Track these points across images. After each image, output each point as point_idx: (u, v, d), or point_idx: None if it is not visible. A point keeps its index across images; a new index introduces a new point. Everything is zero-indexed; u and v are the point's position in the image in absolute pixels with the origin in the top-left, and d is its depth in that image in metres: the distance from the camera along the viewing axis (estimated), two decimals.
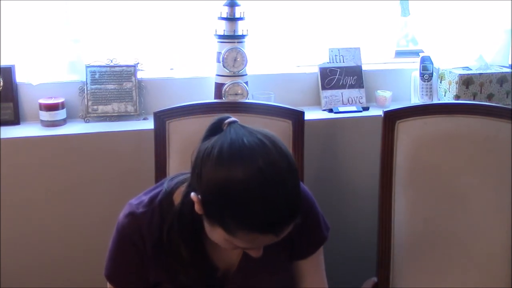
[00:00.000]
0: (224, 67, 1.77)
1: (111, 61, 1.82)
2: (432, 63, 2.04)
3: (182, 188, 1.06)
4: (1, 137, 1.65)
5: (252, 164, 0.89)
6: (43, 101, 1.74)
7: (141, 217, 1.07)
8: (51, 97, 1.77)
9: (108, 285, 1.13)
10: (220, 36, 1.78)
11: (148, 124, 1.73)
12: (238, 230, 0.91)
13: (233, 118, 0.98)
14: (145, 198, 1.10)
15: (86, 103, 1.80)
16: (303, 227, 1.12)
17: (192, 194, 0.95)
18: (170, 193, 1.08)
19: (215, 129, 0.98)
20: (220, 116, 0.99)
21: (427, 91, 2.04)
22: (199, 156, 0.94)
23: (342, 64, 2.02)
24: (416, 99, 2.07)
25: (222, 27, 1.78)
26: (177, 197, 1.06)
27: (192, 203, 0.96)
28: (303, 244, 1.18)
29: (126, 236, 1.08)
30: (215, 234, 0.97)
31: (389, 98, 2.03)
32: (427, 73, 2.03)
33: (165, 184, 1.10)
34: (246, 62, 1.78)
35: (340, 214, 2.00)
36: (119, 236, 1.09)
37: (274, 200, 0.89)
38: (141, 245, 1.07)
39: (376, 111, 1.96)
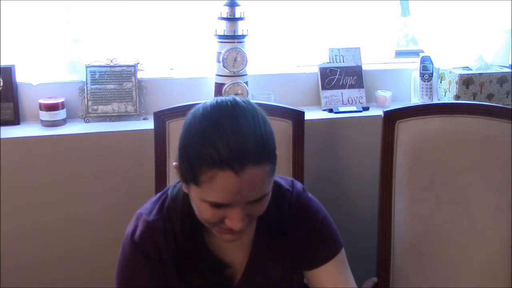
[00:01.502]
0: (224, 67, 1.77)
1: (111, 61, 1.82)
2: (432, 63, 2.04)
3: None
4: (1, 137, 1.65)
5: (205, 107, 0.95)
6: (43, 101, 1.74)
7: (155, 225, 1.06)
8: (51, 97, 1.77)
9: None
10: (220, 36, 1.78)
11: (148, 124, 1.73)
12: (199, 172, 0.91)
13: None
14: (154, 207, 1.09)
15: (86, 103, 1.80)
16: (309, 236, 1.12)
17: (174, 163, 0.99)
18: (175, 199, 1.07)
19: None
20: None
21: (427, 91, 2.04)
22: None
23: (342, 64, 2.02)
24: (416, 99, 2.07)
25: (222, 27, 1.78)
26: (176, 165, 1.05)
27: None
28: (312, 252, 1.14)
29: (138, 247, 1.05)
30: (193, 197, 0.96)
31: (389, 98, 2.03)
32: (427, 73, 2.03)
33: (169, 192, 1.10)
34: (246, 62, 1.78)
35: (340, 214, 1.99)
36: (131, 245, 1.06)
37: (230, 135, 0.90)
38: (155, 255, 1.05)
39: (376, 111, 1.96)
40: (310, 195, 1.17)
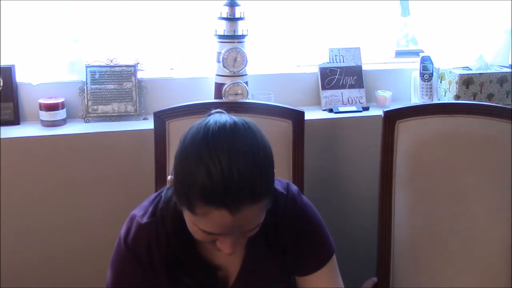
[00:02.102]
0: (224, 67, 1.77)
1: (111, 61, 1.82)
2: (432, 63, 2.04)
3: None
4: (1, 137, 1.65)
5: (214, 140, 0.89)
6: (43, 101, 1.74)
7: (147, 228, 1.06)
8: (51, 97, 1.77)
9: None
10: (220, 36, 1.78)
11: (148, 124, 1.73)
12: (194, 203, 0.90)
13: (220, 110, 1.00)
14: (148, 209, 1.09)
15: (86, 103, 1.80)
16: (302, 242, 1.11)
17: (169, 177, 0.98)
18: (168, 202, 1.06)
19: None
20: (215, 110, 1.01)
21: (427, 91, 2.04)
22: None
23: (342, 64, 2.02)
24: (416, 99, 2.07)
25: (222, 27, 1.78)
26: (170, 179, 1.05)
27: None
28: (304, 260, 1.14)
29: (130, 249, 1.06)
30: (186, 219, 0.97)
31: (389, 98, 2.03)
32: (427, 73, 2.03)
33: (163, 193, 1.09)
34: (246, 62, 1.78)
35: (340, 214, 2.00)
36: (123, 248, 1.07)
37: (227, 176, 0.87)
38: (147, 258, 1.05)
39: (376, 111, 1.96)
40: (305, 199, 1.16)
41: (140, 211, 1.09)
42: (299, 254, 1.12)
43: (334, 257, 1.17)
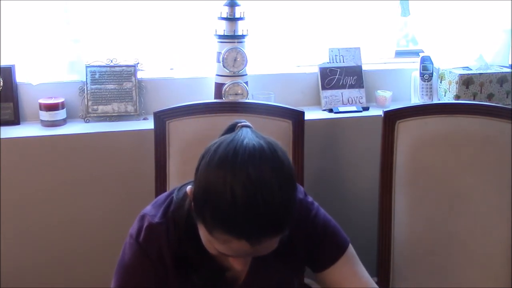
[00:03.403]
0: (224, 67, 1.77)
1: (111, 61, 1.82)
2: (432, 63, 2.04)
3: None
4: (1, 137, 1.65)
5: (241, 168, 0.87)
6: (43, 101, 1.74)
7: (159, 228, 1.06)
8: (51, 97, 1.77)
9: None
10: (220, 36, 1.78)
11: (148, 124, 1.73)
12: (214, 228, 0.90)
13: (247, 123, 0.97)
14: (159, 209, 1.08)
15: (86, 103, 1.80)
16: (311, 241, 1.13)
17: (188, 188, 0.96)
18: (180, 204, 1.06)
19: (229, 130, 0.98)
20: (237, 121, 0.99)
21: (427, 91, 2.04)
22: (202, 153, 0.94)
23: (342, 64, 2.02)
24: (416, 99, 2.07)
25: (222, 27, 1.78)
26: (190, 190, 1.05)
27: None
28: (317, 256, 1.16)
29: (144, 248, 1.05)
30: (201, 233, 0.97)
31: (389, 98, 2.03)
32: (427, 73, 2.03)
33: (175, 195, 1.09)
34: (246, 62, 1.78)
35: (340, 214, 1.99)
36: (135, 246, 1.06)
37: (252, 210, 0.86)
38: (158, 257, 1.05)
39: (376, 111, 1.96)
40: (310, 199, 1.17)
41: (151, 211, 1.09)
42: (312, 250, 1.14)
43: (351, 247, 1.18)
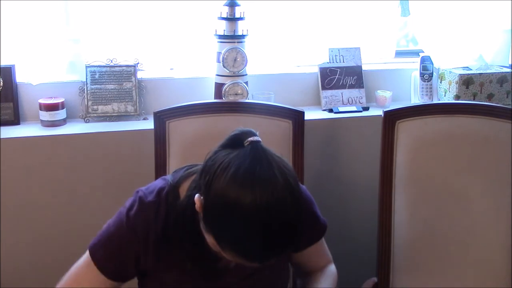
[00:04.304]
0: (224, 67, 1.77)
1: (111, 61, 1.82)
2: (432, 63, 2.04)
3: (187, 183, 1.10)
4: (1, 137, 1.65)
5: (261, 197, 0.90)
6: (43, 101, 1.74)
7: (149, 206, 1.10)
8: (51, 97, 1.77)
9: (85, 258, 1.15)
10: (220, 36, 1.78)
11: (148, 124, 1.73)
12: (227, 249, 0.94)
13: (256, 138, 0.97)
14: (154, 189, 1.12)
15: (86, 103, 1.80)
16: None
17: (196, 196, 0.97)
18: (175, 187, 1.11)
19: (236, 141, 0.98)
20: (244, 130, 0.99)
21: (427, 91, 2.04)
22: (214, 165, 0.95)
23: (342, 64, 2.02)
24: (416, 99, 2.07)
25: (222, 27, 1.78)
26: (182, 192, 1.09)
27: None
28: (303, 240, 1.24)
29: (131, 222, 1.09)
30: (207, 236, 1.00)
31: (389, 98, 2.03)
32: (427, 73, 2.03)
33: (170, 178, 1.13)
34: (246, 62, 1.78)
35: (340, 214, 2.00)
36: (123, 219, 1.11)
37: (271, 238, 0.91)
38: (142, 233, 1.09)
39: (376, 111, 1.96)
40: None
41: (146, 189, 1.13)
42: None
43: None
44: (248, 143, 0.96)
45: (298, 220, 0.94)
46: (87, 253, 1.14)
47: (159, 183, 1.14)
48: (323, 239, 1.30)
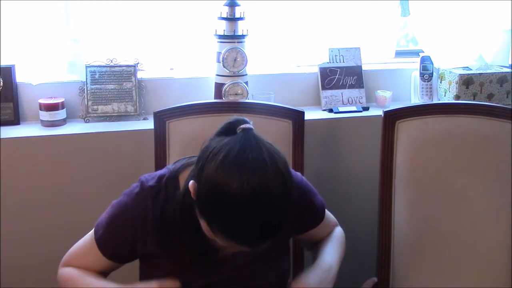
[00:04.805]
0: (224, 67, 1.77)
1: (111, 61, 1.82)
2: (432, 63, 2.04)
3: (186, 172, 1.12)
4: (1, 137, 1.65)
5: (248, 181, 0.92)
6: (43, 101, 1.74)
7: (148, 190, 1.14)
8: (51, 97, 1.77)
9: (90, 235, 1.21)
10: (220, 36, 1.78)
11: (148, 124, 1.73)
12: (218, 232, 0.97)
13: (248, 125, 1.00)
14: (156, 175, 1.17)
15: (86, 103, 1.80)
16: (302, 213, 1.22)
17: (191, 182, 1.00)
18: (175, 175, 1.14)
19: (230, 128, 1.01)
20: (238, 118, 1.02)
21: (427, 91, 2.04)
22: (207, 151, 0.98)
23: (342, 64, 2.02)
24: (416, 99, 2.07)
25: (222, 27, 1.78)
26: (182, 180, 1.12)
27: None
28: (303, 226, 1.28)
29: (130, 204, 1.14)
30: (201, 222, 1.02)
31: (389, 98, 2.03)
32: (427, 73, 2.03)
33: (170, 167, 1.17)
34: (246, 62, 1.78)
35: (340, 214, 1.99)
36: (123, 202, 1.16)
37: (258, 221, 0.93)
38: (141, 216, 1.12)
39: (376, 111, 1.96)
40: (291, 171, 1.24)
41: (150, 175, 1.18)
42: (294, 220, 1.21)
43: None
44: (240, 130, 0.99)
45: (286, 206, 0.96)
46: (93, 230, 1.20)
47: (162, 171, 1.18)
48: (328, 217, 1.34)
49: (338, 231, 1.37)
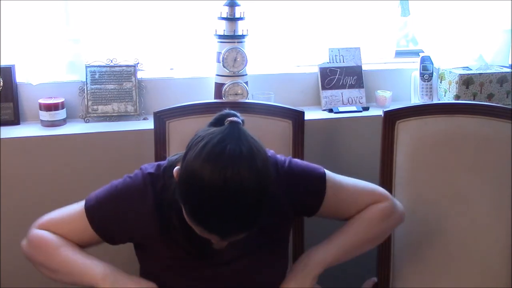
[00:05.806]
0: (224, 67, 1.77)
1: (111, 61, 1.82)
2: (432, 63, 2.04)
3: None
4: (1, 137, 1.65)
5: (220, 171, 0.94)
6: (43, 101, 1.74)
7: (147, 176, 1.17)
8: (51, 97, 1.77)
9: (80, 206, 1.21)
10: (220, 36, 1.78)
11: (148, 124, 1.73)
12: (189, 215, 1.00)
13: (236, 119, 1.02)
14: (155, 164, 1.20)
15: (86, 103, 1.80)
16: (297, 194, 1.20)
17: (175, 169, 1.03)
18: (171, 165, 1.15)
19: (219, 120, 1.04)
20: (229, 111, 1.05)
21: (427, 91, 2.04)
22: (193, 140, 1.01)
23: (342, 64, 2.02)
24: (416, 99, 2.07)
25: (222, 27, 1.78)
26: (176, 171, 1.12)
27: None
28: (308, 207, 1.24)
29: (128, 186, 1.17)
30: (184, 214, 1.04)
31: (389, 98, 2.03)
32: (427, 73, 2.03)
33: (170, 157, 1.20)
34: (246, 62, 1.78)
35: None
36: (122, 183, 1.19)
37: (228, 212, 0.95)
38: (142, 198, 1.15)
39: (376, 111, 1.96)
40: (281, 156, 1.24)
41: (149, 164, 1.21)
42: (295, 203, 1.21)
43: (328, 176, 1.24)
44: (228, 122, 1.01)
45: (259, 201, 0.97)
46: (83, 202, 1.20)
47: (162, 161, 1.20)
48: (340, 183, 1.25)
49: (371, 210, 1.26)
